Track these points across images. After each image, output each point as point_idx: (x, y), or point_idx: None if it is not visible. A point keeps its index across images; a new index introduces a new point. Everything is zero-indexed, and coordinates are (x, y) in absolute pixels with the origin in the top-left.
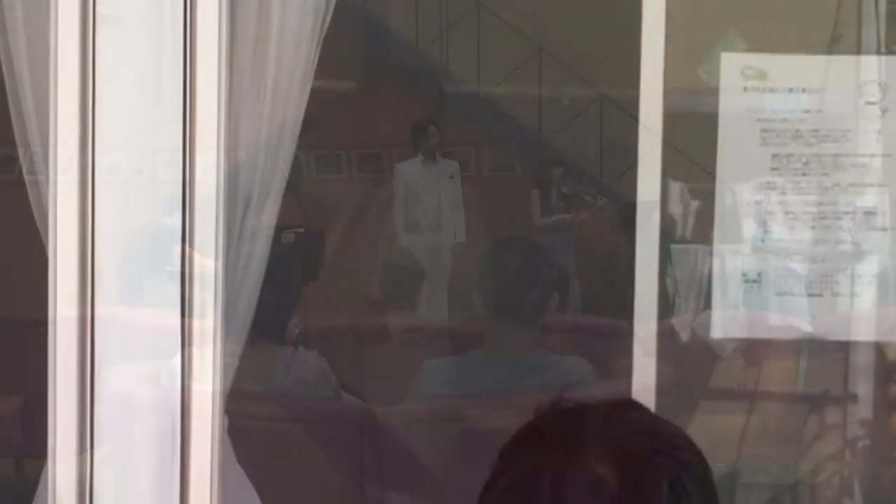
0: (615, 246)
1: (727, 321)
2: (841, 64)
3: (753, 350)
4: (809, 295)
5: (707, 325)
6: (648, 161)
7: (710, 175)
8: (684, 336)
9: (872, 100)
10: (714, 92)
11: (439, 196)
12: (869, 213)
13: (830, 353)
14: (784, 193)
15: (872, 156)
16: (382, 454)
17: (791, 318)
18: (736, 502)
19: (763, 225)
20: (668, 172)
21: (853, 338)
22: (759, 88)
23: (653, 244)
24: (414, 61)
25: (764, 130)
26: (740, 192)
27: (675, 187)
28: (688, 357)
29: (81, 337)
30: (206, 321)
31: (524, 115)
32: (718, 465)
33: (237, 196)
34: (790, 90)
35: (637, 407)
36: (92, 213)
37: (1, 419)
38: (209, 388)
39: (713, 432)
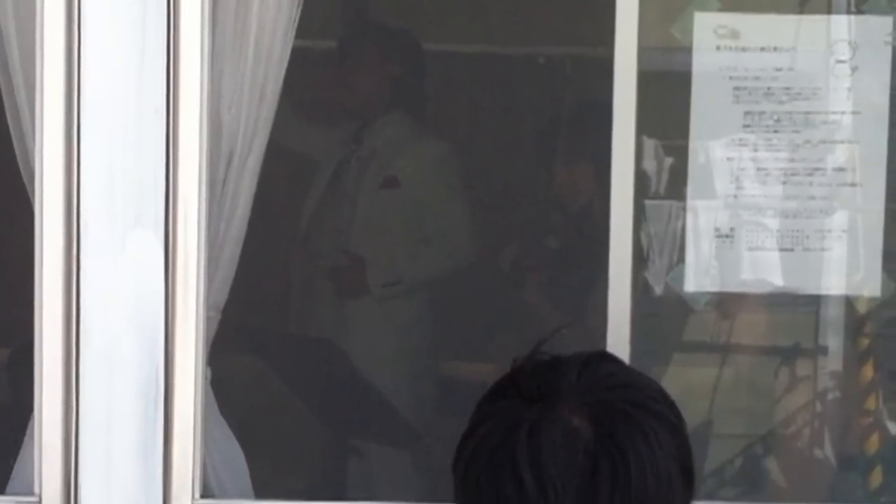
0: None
1: (700, 275)
2: (812, 23)
3: (726, 303)
4: (781, 250)
5: (681, 279)
6: (623, 118)
7: (684, 132)
8: (658, 289)
9: (843, 58)
10: (687, 51)
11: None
12: (839, 168)
13: (801, 306)
14: (756, 150)
15: (843, 113)
16: None
17: (763, 272)
18: (709, 453)
19: (735, 181)
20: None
21: (823, 292)
22: (731, 47)
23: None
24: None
25: (736, 88)
26: (713, 148)
27: (650, 144)
28: (661, 310)
29: (67, 290)
30: (189, 275)
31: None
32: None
33: (220, 153)
34: (762, 49)
35: (611, 359)
36: (77, 169)
37: None
38: (192, 340)
39: (687, 384)
